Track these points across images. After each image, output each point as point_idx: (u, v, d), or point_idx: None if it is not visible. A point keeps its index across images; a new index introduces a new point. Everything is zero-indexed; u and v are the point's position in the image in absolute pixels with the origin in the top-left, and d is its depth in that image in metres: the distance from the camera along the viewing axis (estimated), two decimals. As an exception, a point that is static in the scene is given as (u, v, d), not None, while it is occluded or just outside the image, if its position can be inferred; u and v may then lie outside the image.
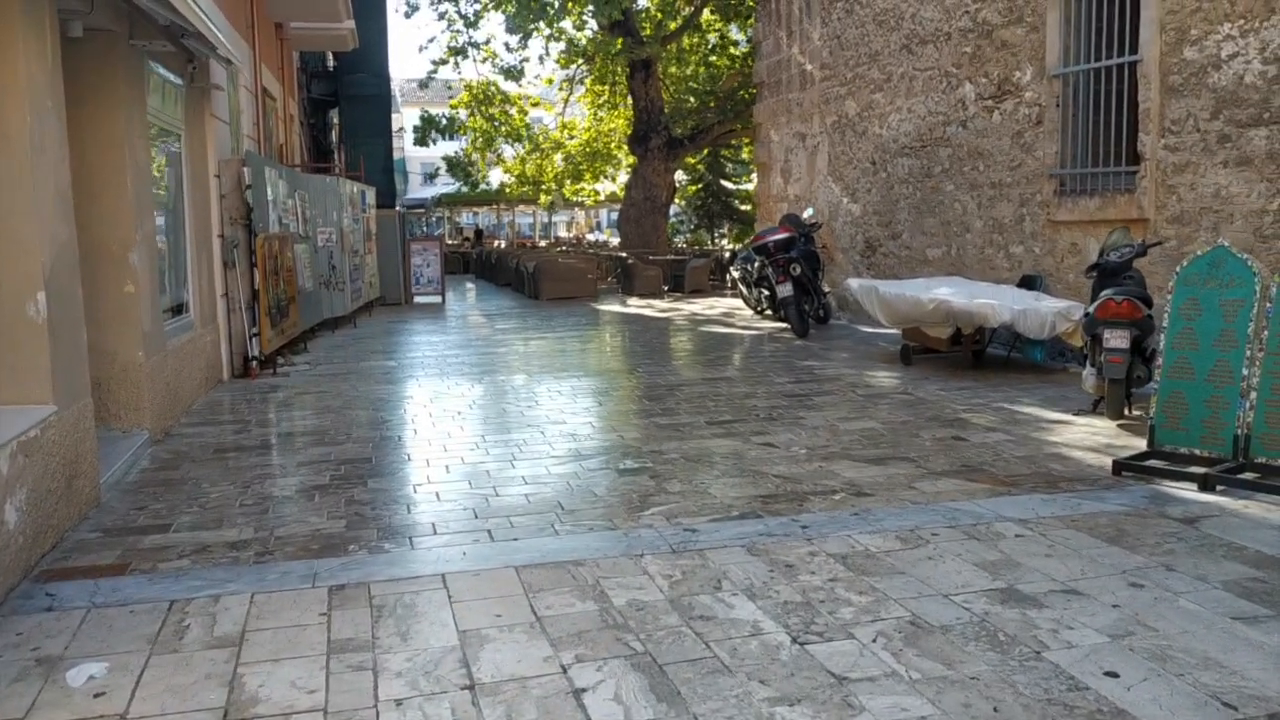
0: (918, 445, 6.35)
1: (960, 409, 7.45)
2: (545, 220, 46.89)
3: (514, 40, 21.94)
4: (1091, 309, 6.73)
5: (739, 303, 16.22)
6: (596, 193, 32.56)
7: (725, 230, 31.69)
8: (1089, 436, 6.50)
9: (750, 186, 31.16)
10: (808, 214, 13.14)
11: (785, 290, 11.70)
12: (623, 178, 30.13)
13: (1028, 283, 9.38)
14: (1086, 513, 4.89)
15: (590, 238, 44.02)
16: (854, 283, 10.05)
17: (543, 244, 37.52)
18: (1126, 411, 6.89)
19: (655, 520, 4.88)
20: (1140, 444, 6.15)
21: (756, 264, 13.40)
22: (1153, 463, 5.64)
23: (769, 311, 13.97)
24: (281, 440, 6.92)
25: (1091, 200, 8.88)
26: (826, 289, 12.96)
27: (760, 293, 13.89)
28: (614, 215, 47.70)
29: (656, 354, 11.08)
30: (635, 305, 17.48)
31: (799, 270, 11.78)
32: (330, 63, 21.70)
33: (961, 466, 5.82)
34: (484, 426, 7.24)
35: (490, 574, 4.19)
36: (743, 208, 30.60)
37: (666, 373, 9.54)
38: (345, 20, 15.23)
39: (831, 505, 5.09)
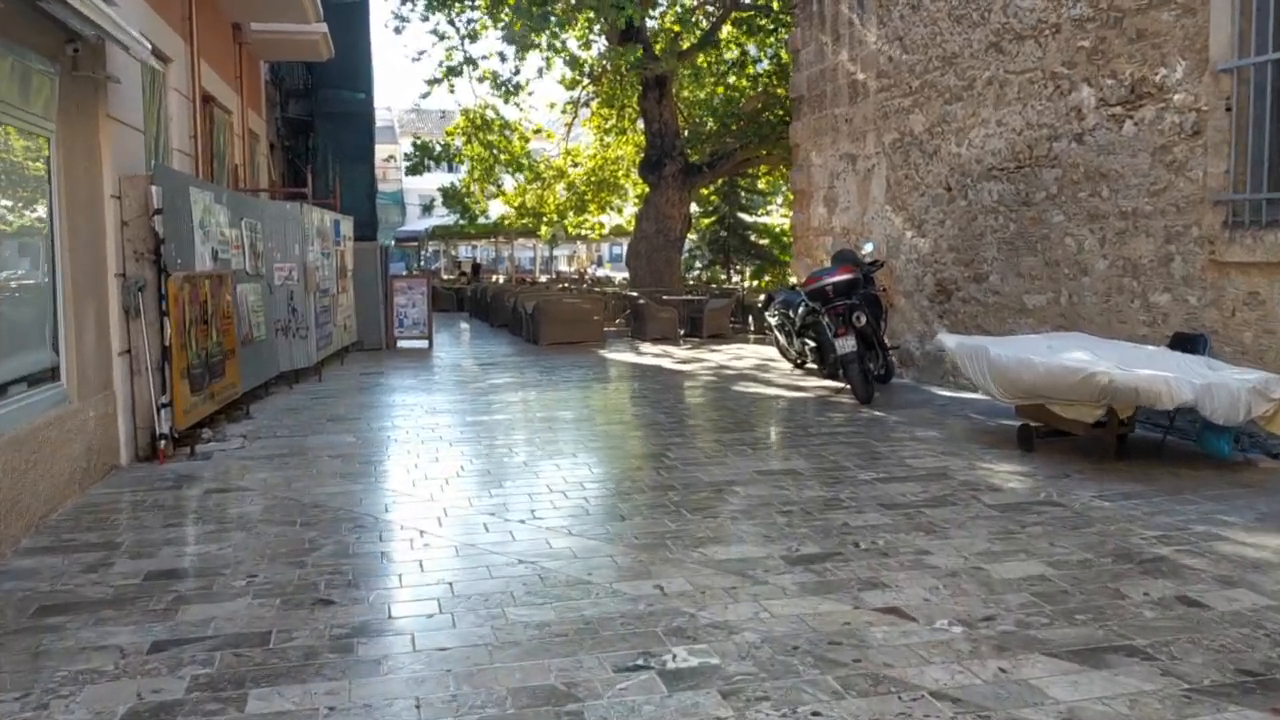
0: (1134, 617, 4.02)
1: (1151, 535, 5.12)
2: (546, 254, 44.74)
3: (511, 52, 19.72)
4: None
5: (771, 351, 13.91)
6: (601, 225, 30.29)
7: (740, 266, 29.34)
8: (1397, 602, 4.18)
9: (770, 220, 28.97)
10: (866, 250, 10.79)
11: (846, 345, 9.33)
12: (629, 209, 27.94)
13: (1185, 343, 7.09)
14: None
15: (591, 272, 41.83)
16: (950, 340, 7.75)
17: (543, 279, 35.26)
18: None
19: (755, 836, 2.56)
20: None
21: (801, 309, 11.06)
22: None
23: (813, 365, 11.67)
24: (148, 587, 4.58)
25: (1283, 235, 6.60)
26: (891, 343, 10.64)
27: (804, 343, 11.55)
28: (617, 250, 45.61)
29: (687, 427, 8.75)
30: (650, 353, 15.18)
31: (863, 320, 9.44)
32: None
33: (1236, 672, 3.49)
34: (452, 563, 4.91)
35: None
36: (760, 242, 28.30)
37: (706, 459, 7.20)
38: (315, 23, 13.06)
39: (1073, 791, 2.77)
